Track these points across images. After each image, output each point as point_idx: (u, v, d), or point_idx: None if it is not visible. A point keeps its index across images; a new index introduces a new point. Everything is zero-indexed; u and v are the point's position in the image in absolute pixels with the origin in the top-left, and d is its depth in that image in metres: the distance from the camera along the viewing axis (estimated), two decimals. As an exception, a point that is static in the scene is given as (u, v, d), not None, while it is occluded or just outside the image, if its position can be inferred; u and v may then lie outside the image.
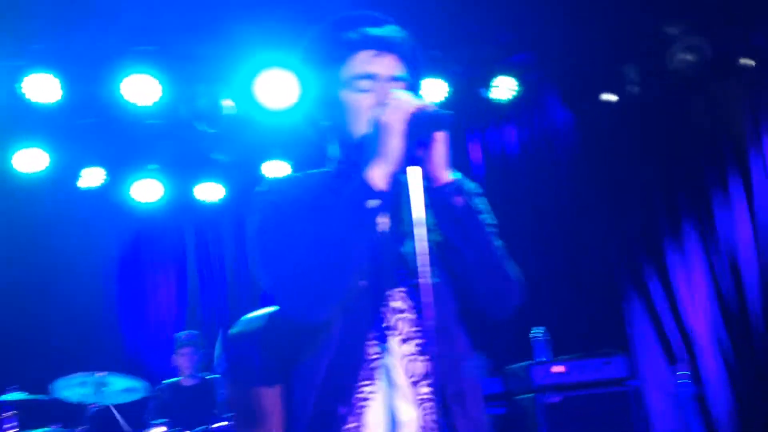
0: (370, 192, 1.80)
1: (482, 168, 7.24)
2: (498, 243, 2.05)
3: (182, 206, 7.54)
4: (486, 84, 6.69)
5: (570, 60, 6.57)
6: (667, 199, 6.38)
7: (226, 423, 4.81)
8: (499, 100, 6.68)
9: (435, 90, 6.54)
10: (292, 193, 2.04)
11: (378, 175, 1.81)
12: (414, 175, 1.82)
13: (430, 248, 1.94)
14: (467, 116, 7.19)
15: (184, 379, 6.10)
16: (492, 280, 2.00)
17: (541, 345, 5.70)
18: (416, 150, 1.83)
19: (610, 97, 6.67)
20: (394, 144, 1.81)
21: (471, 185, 2.15)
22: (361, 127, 1.97)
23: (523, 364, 5.52)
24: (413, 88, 2.07)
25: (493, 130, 7.28)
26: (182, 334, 6.28)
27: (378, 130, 1.84)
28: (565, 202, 6.77)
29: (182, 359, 6.10)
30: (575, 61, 6.54)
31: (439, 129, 1.83)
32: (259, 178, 7.28)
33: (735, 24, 5.98)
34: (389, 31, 2.05)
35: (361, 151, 1.93)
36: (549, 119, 7.11)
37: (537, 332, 5.70)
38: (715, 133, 6.24)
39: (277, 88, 6.18)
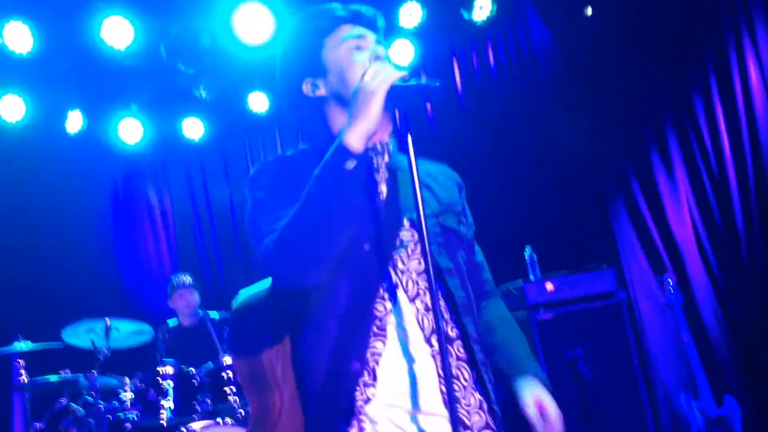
0: (347, 153, 1.82)
1: (464, 88, 7.24)
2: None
3: (167, 144, 7.52)
4: (463, 5, 6.66)
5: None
6: (650, 111, 6.40)
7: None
8: (477, 21, 6.65)
9: (411, 14, 6.54)
10: (283, 172, 2.10)
11: (355, 138, 1.83)
12: (411, 143, 1.85)
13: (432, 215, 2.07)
14: (446, 38, 7.17)
15: (183, 320, 6.16)
16: None
17: (531, 263, 5.84)
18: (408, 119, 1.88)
19: (587, 11, 6.64)
20: (373, 107, 1.84)
21: (459, 178, 2.31)
22: (354, 84, 2.01)
23: (516, 282, 5.65)
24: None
25: (473, 50, 7.25)
26: (175, 277, 6.32)
27: (358, 92, 1.87)
28: (549, 119, 6.79)
29: (179, 301, 6.14)
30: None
31: (425, 99, 1.88)
32: (244, 112, 7.30)
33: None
34: (366, 8, 2.19)
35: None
36: (528, 37, 7.08)
37: (527, 250, 5.85)
38: (698, 43, 6.22)
39: (255, 22, 6.16)
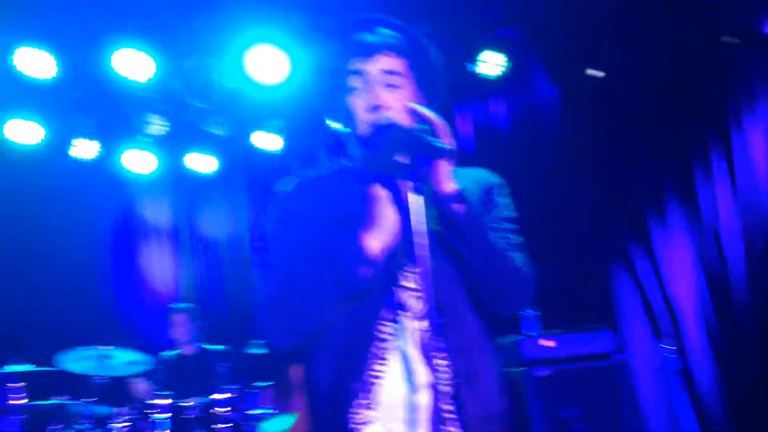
0: (364, 260, 1.87)
1: (471, 142, 7.30)
2: (507, 242, 2.11)
3: (175, 177, 7.57)
4: (473, 59, 6.74)
5: (556, 35, 6.62)
6: (652, 174, 6.43)
7: (228, 395, 4.90)
8: (487, 75, 6.73)
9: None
10: (313, 199, 2.10)
11: (374, 245, 1.89)
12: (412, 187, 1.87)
13: (433, 236, 2.00)
14: (456, 91, 7.25)
15: (183, 350, 6.17)
16: (494, 282, 2.03)
17: (529, 319, 5.82)
18: (419, 165, 1.88)
19: (595, 72, 6.73)
20: (389, 215, 1.89)
21: (494, 180, 2.25)
22: (359, 129, 2.05)
23: (513, 337, 5.62)
24: (418, 83, 2.16)
25: (481, 104, 7.33)
26: (177, 306, 6.34)
27: (370, 201, 1.90)
28: (552, 177, 6.83)
29: (178, 329, 6.17)
30: (561, 36, 6.59)
31: (433, 157, 1.88)
32: (250, 150, 7.35)
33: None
34: (383, 34, 2.11)
35: (363, 151, 2.04)
36: (535, 94, 7.16)
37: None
38: (699, 107, 6.28)
39: (268, 63, 6.22)
